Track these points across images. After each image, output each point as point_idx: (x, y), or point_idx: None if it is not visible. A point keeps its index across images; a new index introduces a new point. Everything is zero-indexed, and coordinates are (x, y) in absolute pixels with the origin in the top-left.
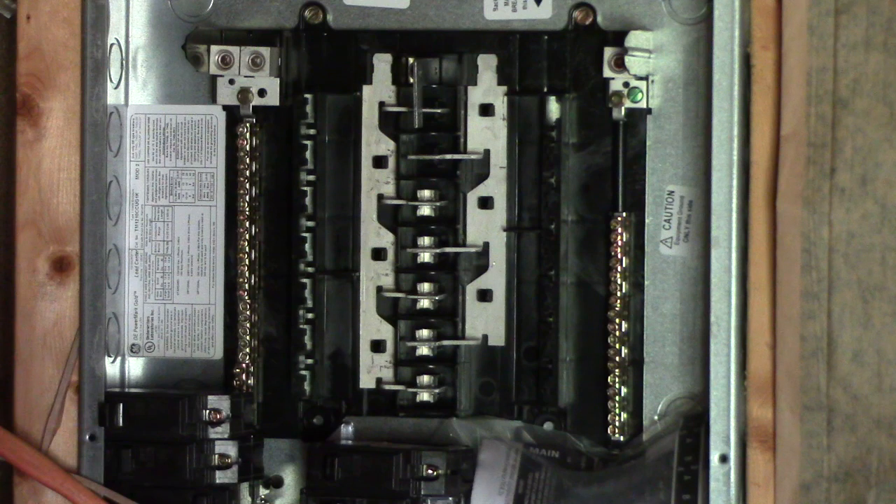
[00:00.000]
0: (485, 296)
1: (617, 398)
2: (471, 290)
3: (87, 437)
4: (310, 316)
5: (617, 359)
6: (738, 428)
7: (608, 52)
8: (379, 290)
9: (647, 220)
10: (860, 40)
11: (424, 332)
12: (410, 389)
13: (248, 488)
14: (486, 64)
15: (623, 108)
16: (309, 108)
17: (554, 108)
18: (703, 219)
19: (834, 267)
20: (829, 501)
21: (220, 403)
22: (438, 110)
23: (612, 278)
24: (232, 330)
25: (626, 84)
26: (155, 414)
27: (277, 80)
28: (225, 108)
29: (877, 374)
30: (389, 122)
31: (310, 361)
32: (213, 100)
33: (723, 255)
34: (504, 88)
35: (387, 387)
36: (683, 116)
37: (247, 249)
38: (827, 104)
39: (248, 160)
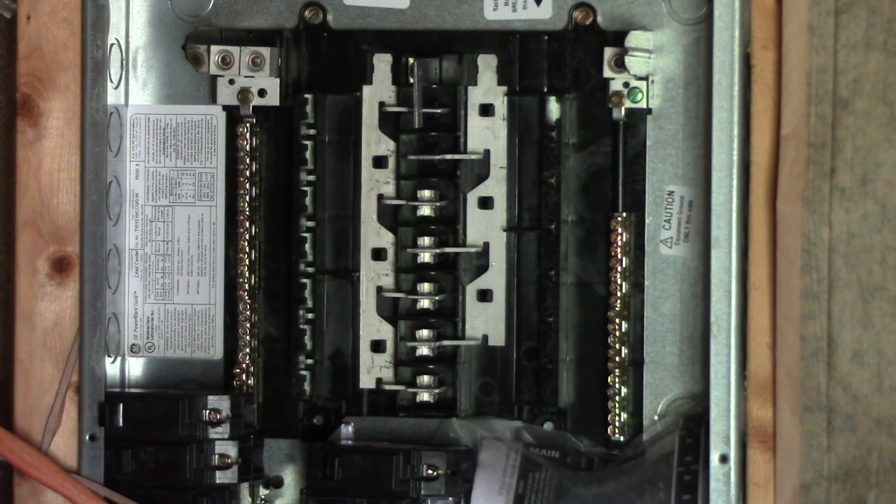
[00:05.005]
0: (485, 296)
1: (617, 398)
2: (471, 290)
3: (87, 437)
4: (310, 316)
5: (617, 359)
6: (738, 428)
7: (608, 52)
8: (379, 290)
9: (647, 220)
10: (860, 40)
11: (424, 332)
12: (410, 389)
13: (248, 488)
14: (486, 64)
15: (623, 108)
16: (309, 108)
17: (554, 108)
18: (703, 219)
19: (834, 267)
20: (829, 501)
21: (220, 403)
22: (438, 110)
23: (612, 278)
24: (232, 330)
25: (626, 84)
26: (155, 414)
27: (277, 80)
28: (225, 108)
29: (877, 374)
30: (389, 122)
31: (310, 361)
32: (213, 100)
33: (723, 255)
34: (504, 88)
35: (387, 387)
36: (683, 116)
37: (247, 249)
38: (827, 104)
39: (248, 160)
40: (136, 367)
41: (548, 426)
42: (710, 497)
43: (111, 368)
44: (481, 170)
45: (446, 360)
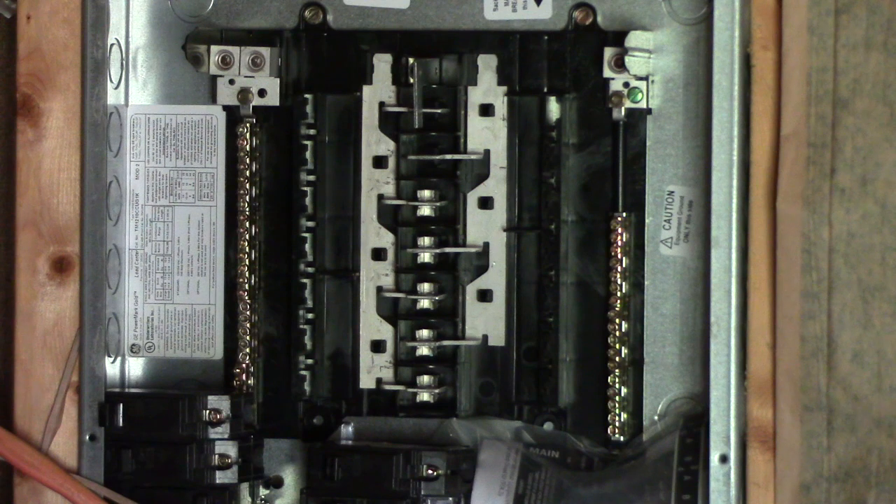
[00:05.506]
0: (485, 296)
1: (617, 398)
2: (471, 290)
3: (87, 437)
4: (310, 316)
5: (617, 359)
6: (738, 428)
7: (608, 52)
8: (379, 290)
9: (647, 220)
10: (860, 40)
11: (424, 333)
12: (410, 389)
13: (248, 488)
14: (486, 64)
15: (623, 108)
16: (309, 108)
17: (554, 108)
18: (703, 219)
19: (834, 267)
20: (829, 502)
21: (220, 403)
22: (438, 110)
23: (612, 278)
24: (232, 330)
25: (626, 84)
26: (155, 414)
27: (277, 80)
28: (225, 108)
29: (877, 374)
30: (389, 123)
31: (310, 361)
32: (213, 100)
33: (723, 255)
34: (504, 88)
35: (387, 387)
36: (683, 116)
37: (247, 249)
38: (827, 104)
39: (248, 160)
40: (136, 367)
41: (548, 426)
42: (710, 497)
43: (111, 368)
44: (481, 170)
45: (446, 360)
